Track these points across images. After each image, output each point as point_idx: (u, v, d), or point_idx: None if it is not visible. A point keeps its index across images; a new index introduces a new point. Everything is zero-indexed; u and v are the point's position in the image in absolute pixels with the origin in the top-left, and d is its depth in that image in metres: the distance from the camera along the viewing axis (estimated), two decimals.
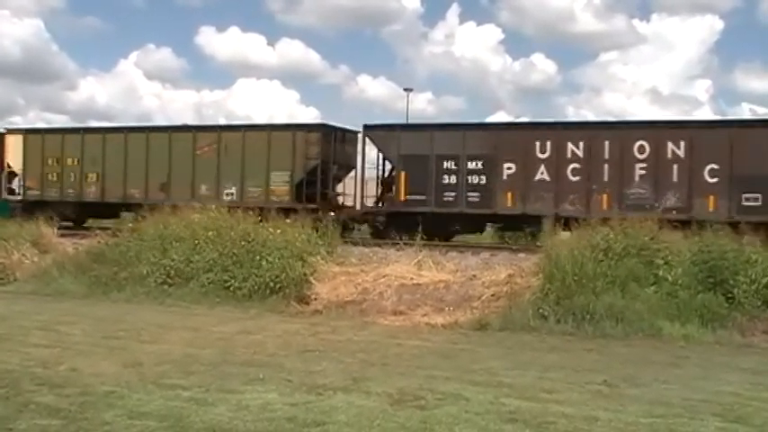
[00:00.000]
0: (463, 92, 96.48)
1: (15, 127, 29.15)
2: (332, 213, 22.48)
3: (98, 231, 20.05)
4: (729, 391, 8.22)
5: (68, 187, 26.55)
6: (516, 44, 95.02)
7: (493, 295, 13.59)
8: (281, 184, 22.95)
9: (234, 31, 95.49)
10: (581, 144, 19.87)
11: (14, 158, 27.87)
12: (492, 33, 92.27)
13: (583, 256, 13.15)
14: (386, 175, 23.06)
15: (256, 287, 14.89)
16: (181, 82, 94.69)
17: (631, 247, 13.45)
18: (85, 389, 7.63)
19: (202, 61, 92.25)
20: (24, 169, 27.46)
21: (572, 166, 19.95)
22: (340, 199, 24.62)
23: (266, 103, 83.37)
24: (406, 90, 52.28)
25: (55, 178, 26.86)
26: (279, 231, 16.20)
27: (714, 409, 7.31)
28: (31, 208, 25.62)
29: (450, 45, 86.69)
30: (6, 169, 28.30)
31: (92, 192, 26.15)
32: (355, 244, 18.48)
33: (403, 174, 21.82)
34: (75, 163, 26.46)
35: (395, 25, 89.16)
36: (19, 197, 27.73)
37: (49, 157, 26.98)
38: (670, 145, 19.05)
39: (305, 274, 14.85)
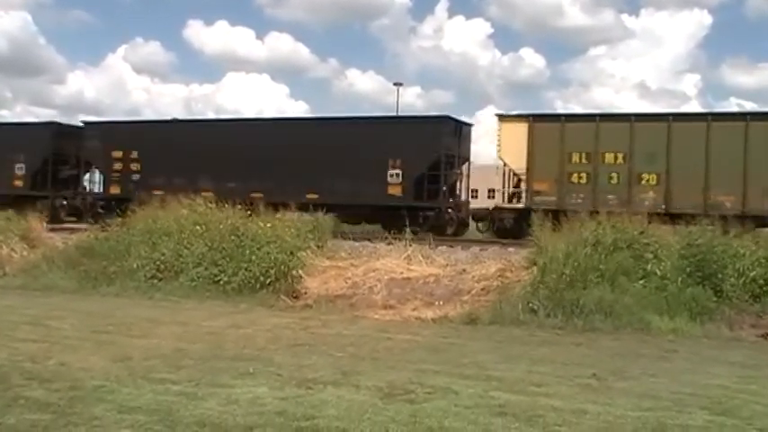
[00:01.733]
0: (452, 86, 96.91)
1: (514, 113, 23.36)
2: None
3: (87, 226, 19.94)
4: (717, 384, 8.27)
5: (607, 192, 20.74)
6: (505, 38, 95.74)
7: (483, 289, 13.62)
8: None
9: (222, 24, 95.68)
10: None
11: (513, 153, 22.08)
12: (481, 28, 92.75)
13: (573, 251, 13.19)
14: None
15: (246, 281, 14.87)
16: (169, 76, 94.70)
17: (620, 241, 13.51)
18: (75, 383, 7.60)
19: (191, 55, 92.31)
20: (529, 168, 21.77)
21: None
22: None
23: (255, 97, 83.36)
24: (396, 84, 52.53)
25: (584, 180, 21.14)
26: (268, 225, 16.19)
27: (702, 403, 7.36)
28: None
29: (439, 39, 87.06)
30: (504, 169, 22.81)
31: (649, 198, 20.38)
32: (345, 238, 18.50)
33: None
34: (620, 160, 20.74)
35: (383, 19, 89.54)
36: (519, 205, 21.99)
37: (574, 151, 21.35)
38: None
39: (295, 268, 14.85)
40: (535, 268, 13.39)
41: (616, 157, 20.94)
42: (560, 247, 13.31)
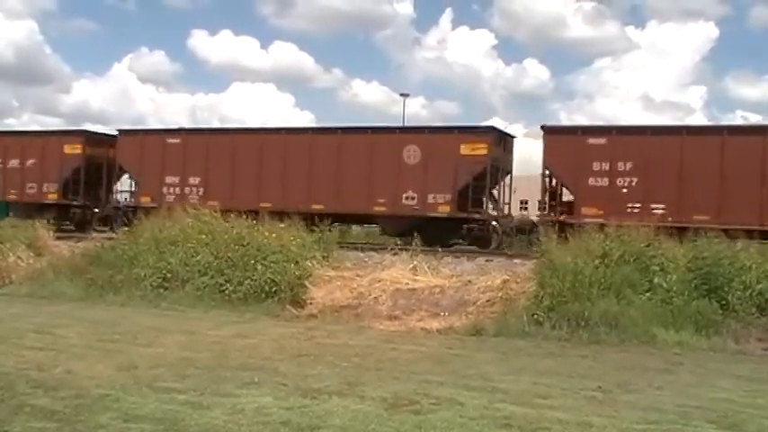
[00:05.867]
0: (456, 97, 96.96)
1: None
2: None
3: (94, 234, 19.96)
4: (723, 397, 8.25)
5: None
6: (509, 49, 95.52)
7: (488, 301, 13.61)
8: None
9: (226, 34, 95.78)
10: None
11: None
12: (485, 39, 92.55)
13: (579, 263, 13.17)
14: None
15: (252, 291, 14.89)
16: (174, 85, 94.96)
17: (628, 254, 13.47)
18: (80, 391, 7.62)
19: (196, 65, 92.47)
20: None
21: None
22: None
23: (261, 107, 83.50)
24: (402, 95, 52.46)
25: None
26: (273, 235, 16.21)
27: (708, 416, 7.33)
28: None
29: (443, 50, 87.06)
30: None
31: None
32: (350, 248, 18.51)
33: None
34: None
35: (387, 30, 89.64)
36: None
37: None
38: None
39: (300, 278, 14.86)
40: (538, 280, 13.35)
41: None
42: (566, 260, 13.29)
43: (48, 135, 29.50)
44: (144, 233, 17.53)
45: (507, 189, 24.21)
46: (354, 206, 22.75)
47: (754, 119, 79.88)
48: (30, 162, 28.07)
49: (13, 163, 28.35)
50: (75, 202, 27.62)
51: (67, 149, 27.56)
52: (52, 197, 27.66)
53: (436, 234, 21.31)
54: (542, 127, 22.11)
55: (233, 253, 15.82)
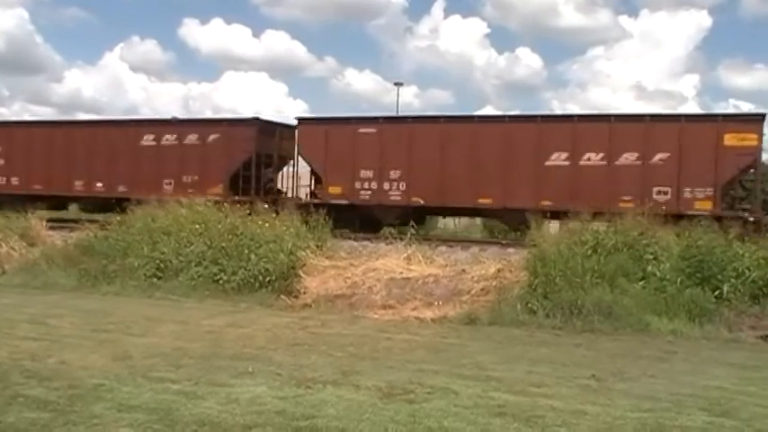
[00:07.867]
0: (449, 86, 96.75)
1: None
2: None
3: (87, 224, 19.87)
4: (716, 385, 8.28)
5: None
6: (501, 38, 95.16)
7: (482, 289, 13.61)
8: None
9: (217, 22, 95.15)
10: None
11: None
12: (477, 27, 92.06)
13: (571, 252, 13.18)
14: None
15: (245, 281, 14.86)
16: (167, 74, 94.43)
17: (621, 243, 13.49)
18: (74, 382, 7.61)
19: (188, 54, 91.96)
20: None
21: None
22: None
23: (254, 96, 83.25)
24: (396, 84, 52.40)
25: None
26: (267, 225, 16.18)
27: (701, 404, 7.36)
28: None
29: (435, 39, 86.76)
30: None
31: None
32: (345, 238, 18.50)
33: None
34: None
35: (380, 19, 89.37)
36: None
37: None
38: None
39: (294, 268, 14.84)
40: (529, 269, 13.35)
41: None
42: (559, 249, 13.30)
43: (701, 120, 19.75)
44: (136, 223, 17.48)
45: None
46: None
47: (747, 107, 79.91)
48: (657, 158, 19.02)
49: (557, 158, 19.95)
50: None
51: (731, 140, 18.27)
52: (703, 206, 18.43)
53: None
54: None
55: (227, 243, 15.78)
